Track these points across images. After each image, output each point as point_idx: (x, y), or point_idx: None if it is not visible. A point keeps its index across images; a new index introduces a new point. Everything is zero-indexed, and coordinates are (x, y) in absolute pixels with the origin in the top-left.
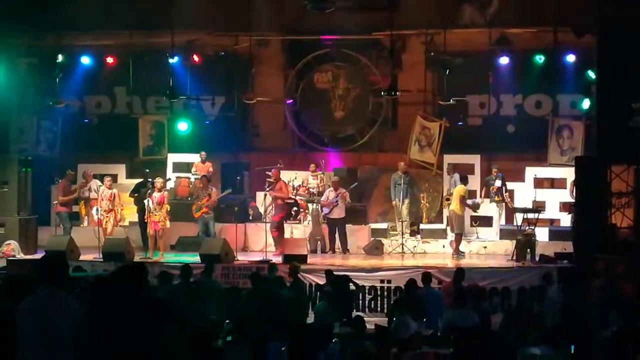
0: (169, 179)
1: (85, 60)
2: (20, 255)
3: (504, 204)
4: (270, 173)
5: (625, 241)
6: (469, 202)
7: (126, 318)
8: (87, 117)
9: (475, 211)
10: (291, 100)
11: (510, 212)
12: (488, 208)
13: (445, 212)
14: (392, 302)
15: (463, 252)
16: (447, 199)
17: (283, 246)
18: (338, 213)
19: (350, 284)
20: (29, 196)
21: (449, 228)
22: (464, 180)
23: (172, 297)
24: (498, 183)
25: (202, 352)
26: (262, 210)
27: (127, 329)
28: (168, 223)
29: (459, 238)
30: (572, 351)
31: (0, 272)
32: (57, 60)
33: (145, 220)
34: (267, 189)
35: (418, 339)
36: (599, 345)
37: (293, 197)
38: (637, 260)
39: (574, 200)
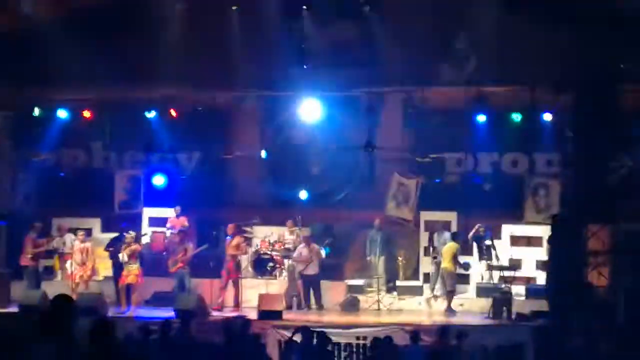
0: (145, 234)
1: (62, 113)
2: None
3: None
4: (247, 229)
5: (603, 300)
6: (461, 261)
7: None
8: (63, 171)
9: (466, 271)
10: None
11: (487, 270)
12: (478, 267)
13: (422, 269)
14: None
15: (454, 311)
16: (435, 257)
17: (259, 301)
18: (312, 269)
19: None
20: (2, 249)
21: (433, 285)
22: (456, 238)
23: (150, 352)
24: (488, 242)
25: None
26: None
27: None
28: (138, 279)
29: (451, 296)
30: None
31: None
32: (34, 114)
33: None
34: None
35: None
36: None
37: (269, 252)
38: (614, 320)
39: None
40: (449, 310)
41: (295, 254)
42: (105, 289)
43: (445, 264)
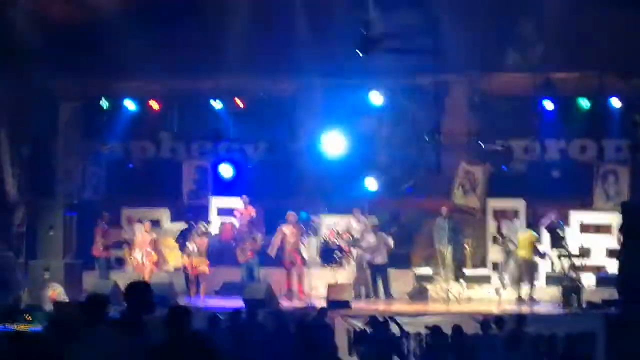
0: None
1: (129, 104)
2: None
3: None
4: (314, 218)
5: None
6: (541, 251)
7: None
8: (132, 162)
9: (543, 259)
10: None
11: (557, 258)
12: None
13: (490, 258)
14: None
15: (535, 300)
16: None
17: (328, 291)
18: (380, 258)
19: (394, 324)
20: (73, 240)
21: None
22: (531, 226)
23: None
24: (560, 231)
25: None
26: (305, 255)
27: None
28: (207, 268)
29: (532, 286)
30: None
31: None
32: (102, 105)
33: (187, 265)
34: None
35: None
36: None
37: (336, 241)
38: None
39: (619, 247)
40: (531, 300)
41: (363, 243)
42: (174, 279)
43: (523, 253)
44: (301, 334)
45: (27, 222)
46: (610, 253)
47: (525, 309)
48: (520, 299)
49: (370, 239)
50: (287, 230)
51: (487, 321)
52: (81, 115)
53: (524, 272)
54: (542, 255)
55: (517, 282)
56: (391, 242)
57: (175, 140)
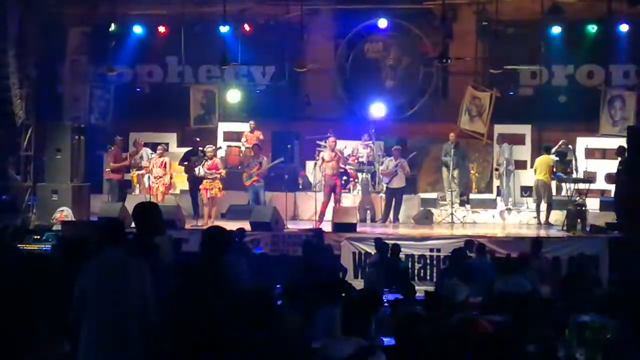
0: (220, 148)
1: (138, 29)
2: None
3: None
4: (321, 142)
5: None
6: (559, 175)
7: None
8: (139, 86)
9: (560, 182)
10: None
11: (562, 182)
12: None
13: (496, 182)
14: (441, 269)
15: (551, 224)
16: (497, 169)
17: (333, 214)
18: (397, 182)
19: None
20: (81, 164)
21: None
22: (547, 150)
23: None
24: (570, 157)
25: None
26: (312, 179)
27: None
28: (219, 193)
29: (550, 208)
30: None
31: (56, 234)
32: (110, 30)
33: (199, 189)
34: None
35: (469, 304)
36: None
37: (343, 166)
38: None
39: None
40: (548, 223)
41: (381, 167)
42: (182, 202)
43: (541, 176)
44: (306, 256)
45: (35, 145)
46: (609, 178)
47: (528, 233)
48: (539, 222)
49: (390, 163)
50: (326, 155)
51: (482, 245)
52: (90, 40)
53: (542, 195)
54: (558, 178)
55: (537, 204)
56: (407, 166)
57: (183, 64)
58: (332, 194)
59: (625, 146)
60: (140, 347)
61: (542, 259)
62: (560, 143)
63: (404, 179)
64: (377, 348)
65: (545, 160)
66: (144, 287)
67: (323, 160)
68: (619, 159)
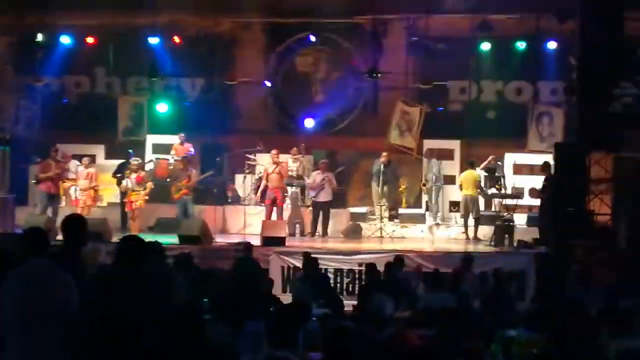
0: (151, 161)
1: (65, 39)
2: None
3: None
4: (250, 156)
5: (604, 228)
6: (490, 191)
7: (126, 288)
8: (66, 97)
9: (485, 198)
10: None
11: (490, 198)
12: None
13: (424, 197)
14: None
15: (479, 238)
16: (424, 184)
17: (262, 228)
18: (324, 196)
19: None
20: (6, 175)
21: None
22: (472, 165)
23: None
24: (498, 173)
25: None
26: (241, 192)
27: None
28: (143, 203)
29: (477, 223)
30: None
31: None
32: (37, 40)
33: (124, 201)
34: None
35: (397, 319)
36: (574, 329)
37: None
38: (615, 247)
39: (541, 187)
40: (475, 239)
41: (308, 180)
42: (109, 214)
43: (469, 191)
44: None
45: None
46: (534, 192)
47: (456, 248)
48: (467, 238)
49: (317, 177)
50: (269, 168)
51: (401, 258)
52: (16, 50)
53: (470, 210)
54: (486, 194)
55: (465, 220)
56: (334, 180)
57: (111, 75)
58: (274, 207)
59: (552, 162)
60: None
61: (473, 274)
62: (489, 159)
63: (331, 193)
64: None
65: (471, 175)
66: (70, 298)
67: (267, 173)
68: (545, 175)
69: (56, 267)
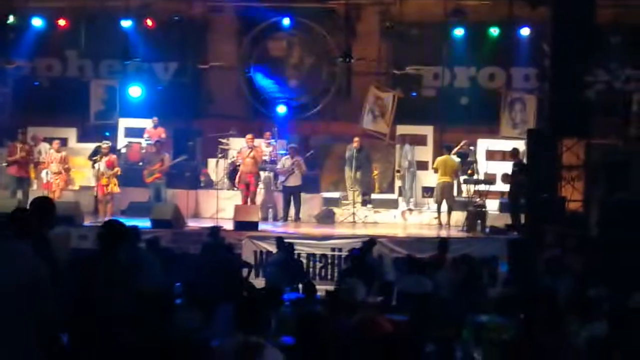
0: (126, 145)
1: (37, 22)
2: None
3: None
4: (223, 140)
5: (575, 214)
6: (465, 178)
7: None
8: (38, 80)
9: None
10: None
11: (463, 184)
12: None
13: (397, 183)
14: (342, 269)
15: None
16: (398, 171)
17: (235, 212)
18: (294, 181)
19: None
20: None
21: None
22: (449, 150)
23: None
24: (471, 158)
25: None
26: (213, 177)
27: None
28: (116, 188)
29: (451, 209)
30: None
31: None
32: (8, 22)
33: (97, 185)
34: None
35: (368, 304)
36: (544, 315)
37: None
38: (586, 233)
39: (510, 172)
40: (447, 225)
41: (278, 165)
42: (81, 198)
43: (445, 178)
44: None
45: None
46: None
47: (428, 233)
48: (439, 223)
49: (286, 162)
50: (245, 152)
51: (373, 241)
52: None
53: (445, 196)
54: (466, 181)
55: (438, 205)
56: (304, 165)
57: (83, 58)
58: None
59: (522, 148)
60: (35, 345)
61: (448, 259)
62: (462, 143)
63: (301, 177)
64: (267, 345)
65: (447, 160)
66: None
67: (242, 157)
68: (513, 161)
69: (23, 248)
